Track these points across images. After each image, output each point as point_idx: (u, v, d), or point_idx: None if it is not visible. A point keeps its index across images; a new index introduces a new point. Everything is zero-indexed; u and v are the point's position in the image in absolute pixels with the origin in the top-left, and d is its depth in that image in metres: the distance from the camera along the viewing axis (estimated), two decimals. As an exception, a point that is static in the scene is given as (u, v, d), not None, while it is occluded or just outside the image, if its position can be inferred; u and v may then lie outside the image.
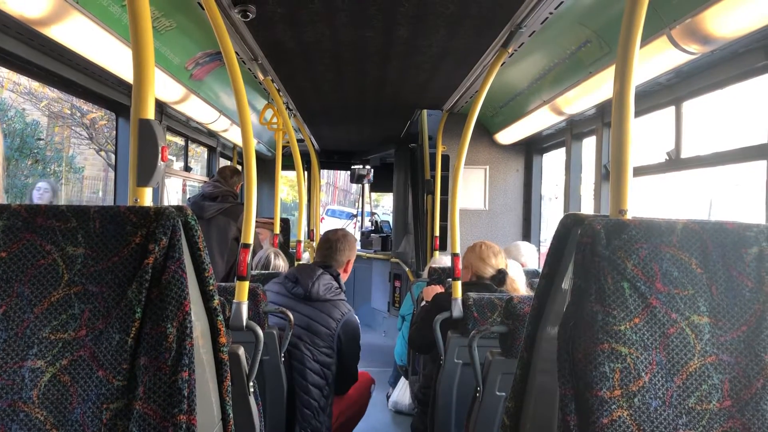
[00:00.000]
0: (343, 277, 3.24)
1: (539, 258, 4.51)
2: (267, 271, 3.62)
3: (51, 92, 12.46)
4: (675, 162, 3.12)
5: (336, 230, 3.42)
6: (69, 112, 13.29)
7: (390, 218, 9.19)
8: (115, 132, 3.97)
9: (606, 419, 1.08)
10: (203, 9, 2.24)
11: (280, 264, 3.79)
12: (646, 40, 2.43)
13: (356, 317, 3.17)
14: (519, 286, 3.18)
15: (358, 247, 9.48)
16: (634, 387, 1.10)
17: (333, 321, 3.01)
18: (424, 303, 3.64)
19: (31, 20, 2.19)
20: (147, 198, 1.31)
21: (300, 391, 2.95)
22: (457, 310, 2.86)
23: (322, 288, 3.03)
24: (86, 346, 1.09)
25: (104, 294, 1.10)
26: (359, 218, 11.15)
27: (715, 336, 1.13)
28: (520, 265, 3.44)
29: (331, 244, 3.24)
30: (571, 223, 1.26)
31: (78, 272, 1.11)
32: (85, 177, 14.57)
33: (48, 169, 12.68)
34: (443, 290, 3.45)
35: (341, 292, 3.14)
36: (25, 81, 12.07)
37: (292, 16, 2.82)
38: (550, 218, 5.99)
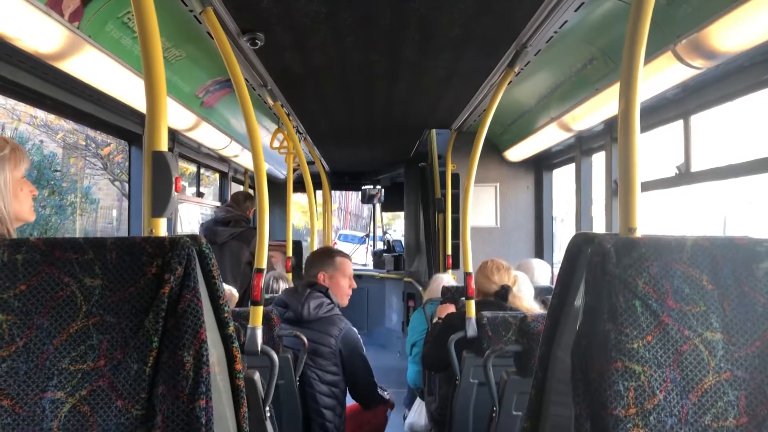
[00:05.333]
0: (339, 294, 3.16)
1: (552, 277, 4.46)
2: (268, 296, 3.57)
3: (66, 124, 12.65)
4: (685, 176, 3.11)
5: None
6: (84, 143, 13.47)
7: (402, 238, 9.20)
8: (128, 161, 4.02)
9: None
10: (212, 38, 2.29)
11: (281, 288, 3.75)
12: (651, 56, 2.44)
13: (354, 329, 3.10)
14: (525, 302, 3.12)
15: (370, 267, 9.47)
16: (649, 405, 1.09)
17: (332, 338, 2.94)
18: (436, 319, 3.61)
19: (45, 55, 2.24)
20: (162, 228, 1.33)
21: (315, 416, 2.93)
22: (471, 330, 2.85)
23: (313, 307, 2.96)
24: (105, 376, 1.10)
25: (122, 324, 1.12)
26: (370, 239, 11.15)
27: (729, 352, 1.13)
28: (527, 278, 3.40)
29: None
30: (581, 242, 1.27)
31: (96, 303, 1.13)
32: (101, 207, 14.71)
33: (64, 200, 12.81)
34: (455, 309, 3.43)
35: (334, 307, 3.06)
36: (41, 114, 12.26)
37: (299, 42, 2.87)
38: (563, 240, 5.93)
